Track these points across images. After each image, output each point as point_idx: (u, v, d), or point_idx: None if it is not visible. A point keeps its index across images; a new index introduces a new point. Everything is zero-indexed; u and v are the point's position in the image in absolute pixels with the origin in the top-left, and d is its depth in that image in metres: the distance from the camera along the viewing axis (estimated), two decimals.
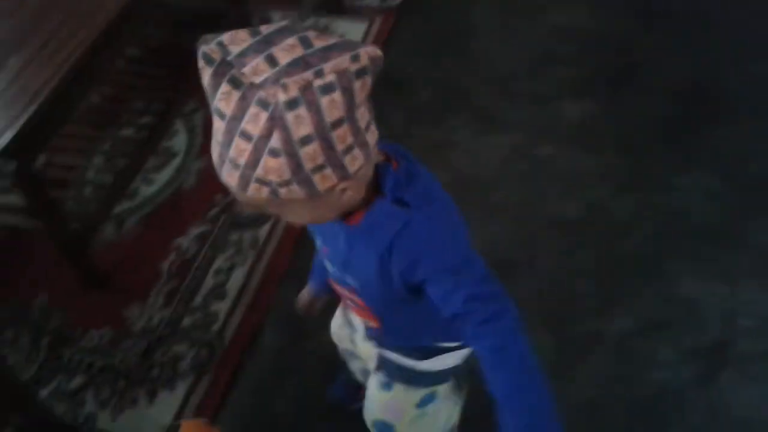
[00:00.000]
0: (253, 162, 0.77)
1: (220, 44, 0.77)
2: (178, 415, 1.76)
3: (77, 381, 1.85)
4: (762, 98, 2.24)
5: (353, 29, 2.61)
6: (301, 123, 0.74)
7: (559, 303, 1.80)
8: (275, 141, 0.75)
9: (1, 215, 2.01)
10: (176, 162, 2.30)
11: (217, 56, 0.76)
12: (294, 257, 2.01)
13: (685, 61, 2.38)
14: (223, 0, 2.47)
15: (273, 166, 0.77)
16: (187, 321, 1.93)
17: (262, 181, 0.78)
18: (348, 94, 0.76)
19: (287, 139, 0.75)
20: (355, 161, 0.81)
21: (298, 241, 2.05)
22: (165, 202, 2.20)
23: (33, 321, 1.98)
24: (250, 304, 1.94)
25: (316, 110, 0.74)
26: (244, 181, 0.79)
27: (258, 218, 2.12)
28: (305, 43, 0.76)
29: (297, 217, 0.90)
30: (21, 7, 1.91)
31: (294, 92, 0.73)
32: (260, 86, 0.73)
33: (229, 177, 0.81)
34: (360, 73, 0.76)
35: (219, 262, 2.03)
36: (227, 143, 0.77)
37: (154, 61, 2.33)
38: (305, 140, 0.75)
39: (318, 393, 1.72)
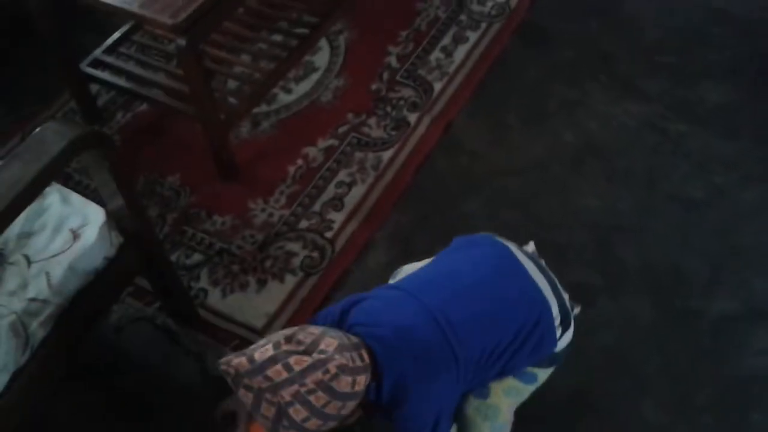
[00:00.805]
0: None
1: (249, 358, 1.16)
2: (283, 306, 1.90)
3: (195, 258, 2.01)
4: None
5: None
6: (299, 412, 1.14)
7: (665, 274, 1.82)
8: (285, 424, 1.15)
9: (155, 91, 2.17)
10: (316, 76, 2.41)
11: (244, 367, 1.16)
12: (412, 183, 2.10)
13: None
14: None
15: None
16: (304, 223, 2.05)
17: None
18: (328, 389, 1.14)
19: (293, 421, 1.14)
20: (346, 410, 1.19)
21: (419, 169, 2.13)
22: (300, 112, 2.32)
23: (163, 195, 2.15)
24: (364, 219, 2.04)
25: (307, 405, 1.14)
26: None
27: (384, 141, 2.21)
28: (288, 369, 1.13)
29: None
30: None
31: (288, 397, 1.13)
32: (267, 391, 1.14)
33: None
34: (333, 378, 1.14)
35: (341, 176, 2.14)
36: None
37: None
38: (305, 420, 1.15)
39: None
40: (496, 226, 1.95)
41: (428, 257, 1.79)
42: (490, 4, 2.56)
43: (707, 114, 2.18)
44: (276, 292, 1.92)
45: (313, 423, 1.15)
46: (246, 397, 1.15)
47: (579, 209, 1.99)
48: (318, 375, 1.13)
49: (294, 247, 2.01)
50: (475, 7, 2.56)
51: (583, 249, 1.90)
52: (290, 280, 1.94)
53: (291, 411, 1.13)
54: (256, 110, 2.29)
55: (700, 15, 2.45)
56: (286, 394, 1.13)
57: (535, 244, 1.51)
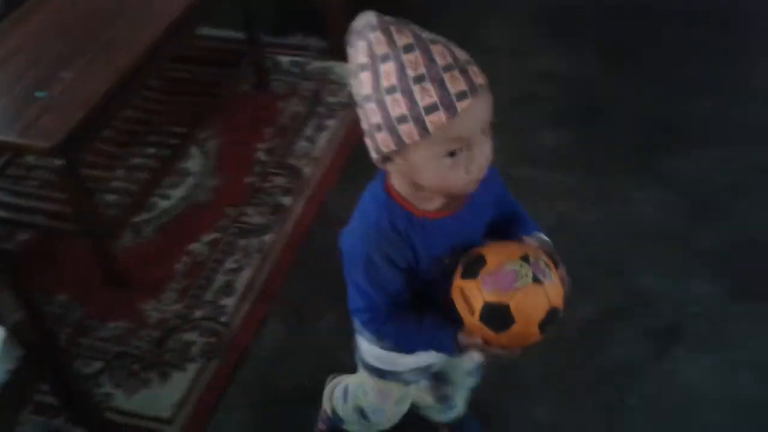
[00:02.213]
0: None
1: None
2: (188, 393, 1.95)
3: (95, 366, 2.04)
4: (710, 130, 2.53)
5: None
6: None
7: None
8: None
9: (37, 218, 2.25)
10: (191, 180, 2.55)
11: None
12: (297, 259, 2.25)
13: (645, 97, 2.69)
14: (241, 42, 2.78)
15: None
16: (198, 313, 2.14)
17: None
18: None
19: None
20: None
21: (301, 245, 2.29)
22: (180, 214, 2.44)
23: (55, 313, 2.18)
24: (256, 299, 2.16)
25: None
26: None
27: (265, 226, 2.36)
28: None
29: None
30: (68, 33, 2.20)
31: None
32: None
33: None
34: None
35: (228, 264, 2.26)
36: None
37: (176, 92, 2.62)
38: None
39: (316, 373, 1.92)
40: None
41: (320, 323, 1.94)
42: (342, 94, 2.83)
43: (546, 156, 2.48)
44: (179, 382, 1.98)
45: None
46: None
47: None
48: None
49: (191, 336, 2.08)
50: (330, 98, 2.82)
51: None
52: (192, 368, 2.00)
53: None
54: (137, 219, 2.40)
55: (525, 79, 2.81)
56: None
57: None
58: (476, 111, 0.96)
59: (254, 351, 2.03)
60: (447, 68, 0.93)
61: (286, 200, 2.44)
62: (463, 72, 0.94)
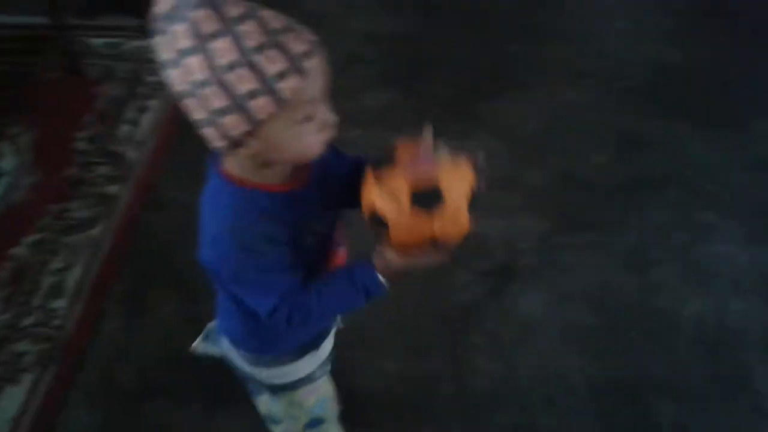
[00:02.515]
0: None
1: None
2: (26, 405, 1.83)
3: None
4: (527, 72, 2.65)
5: None
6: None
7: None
8: None
9: None
10: (6, 180, 2.37)
11: None
12: (130, 248, 2.15)
13: (465, 47, 2.77)
14: (47, 28, 2.58)
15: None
16: (27, 320, 2.00)
17: None
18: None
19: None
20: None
21: (133, 233, 2.19)
22: None
23: None
24: (89, 296, 2.04)
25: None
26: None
27: (91, 219, 2.23)
28: None
29: None
30: None
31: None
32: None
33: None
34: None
35: (55, 263, 2.12)
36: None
37: None
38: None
39: (162, 365, 1.86)
40: None
41: (161, 311, 1.87)
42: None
43: (374, 117, 2.50)
44: (14, 395, 1.84)
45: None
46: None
47: None
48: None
49: (23, 346, 1.94)
50: (150, 78, 2.69)
51: None
52: (27, 378, 1.87)
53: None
54: None
55: (350, 42, 2.81)
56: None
57: None
58: (320, 68, 0.93)
59: (94, 351, 1.93)
60: (285, 31, 0.89)
61: (113, 189, 2.32)
62: (300, 32, 0.91)
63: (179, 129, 2.47)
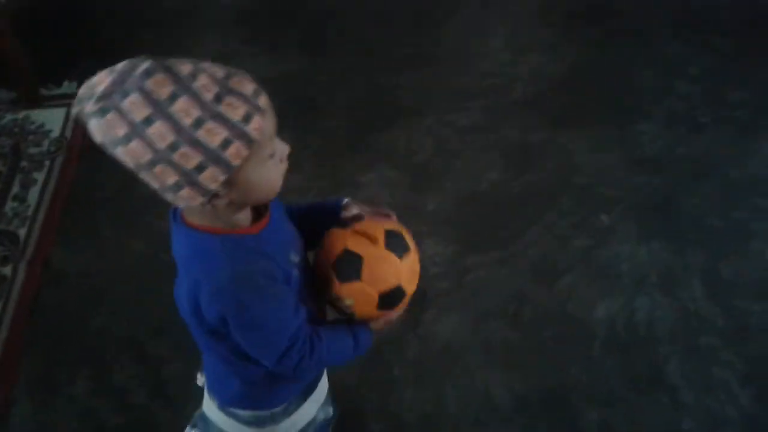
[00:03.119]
0: None
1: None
2: None
3: None
4: (416, 100, 2.71)
5: (52, 117, 2.72)
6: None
7: None
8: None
9: None
10: None
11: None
12: (32, 327, 2.05)
13: (354, 81, 2.81)
14: None
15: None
16: None
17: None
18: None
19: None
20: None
21: (32, 313, 2.09)
22: None
23: None
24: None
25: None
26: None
27: None
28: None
29: None
30: None
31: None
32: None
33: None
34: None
35: None
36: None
37: None
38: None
39: None
40: (131, 324, 2.02)
41: (74, 386, 1.77)
42: (45, 142, 2.61)
43: None
44: None
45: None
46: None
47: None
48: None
49: None
50: (33, 150, 2.59)
51: None
52: None
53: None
54: None
55: None
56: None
57: None
58: (269, 103, 0.95)
59: None
60: (230, 76, 0.91)
61: (6, 269, 2.20)
62: (241, 74, 0.92)
63: (68, 200, 2.39)
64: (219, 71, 0.90)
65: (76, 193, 2.42)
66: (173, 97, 0.86)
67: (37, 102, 2.78)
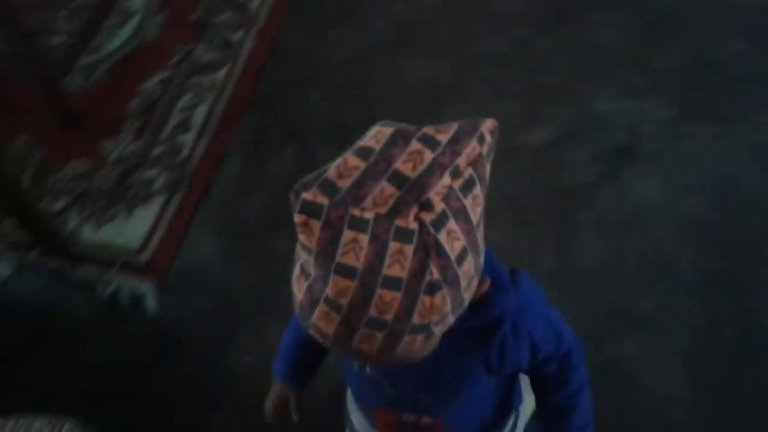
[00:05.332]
0: (407, 311, 0.61)
1: (325, 184, 0.63)
2: (156, 224, 1.98)
3: (61, 203, 2.05)
4: None
5: None
6: (454, 239, 0.61)
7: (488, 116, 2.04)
8: (433, 273, 0.61)
9: None
10: (136, 19, 2.44)
11: (323, 200, 0.62)
12: (252, 93, 2.22)
13: None
14: None
15: (436, 305, 0.62)
16: (156, 150, 2.13)
17: (416, 330, 0.63)
18: (483, 182, 0.65)
19: (445, 264, 0.61)
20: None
21: (256, 78, 2.25)
22: (129, 54, 2.36)
23: (15, 158, 2.15)
24: (214, 135, 2.15)
25: (464, 217, 0.62)
26: (394, 338, 0.63)
27: (216, 62, 2.30)
28: (429, 142, 0.64)
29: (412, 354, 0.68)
30: None
31: (439, 206, 0.61)
32: (392, 215, 0.60)
33: (366, 342, 0.63)
34: (489, 154, 0.66)
35: (183, 102, 2.22)
36: (364, 304, 0.61)
37: None
38: (461, 257, 0.62)
39: (280, 202, 1.95)
40: (336, 112, 2.13)
41: (280, 157, 1.92)
42: None
43: None
44: (146, 215, 2.01)
45: (467, 266, 0.64)
46: (354, 250, 0.60)
47: (407, 82, 2.18)
48: (475, 145, 0.66)
49: (152, 173, 2.09)
50: None
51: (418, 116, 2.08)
52: (157, 201, 2.03)
53: (443, 238, 0.61)
54: (85, 61, 2.32)
55: None
56: (434, 196, 0.61)
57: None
58: None
59: (216, 184, 2.05)
60: None
61: (236, 35, 2.36)
62: None
63: None
64: None
65: None
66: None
67: None
